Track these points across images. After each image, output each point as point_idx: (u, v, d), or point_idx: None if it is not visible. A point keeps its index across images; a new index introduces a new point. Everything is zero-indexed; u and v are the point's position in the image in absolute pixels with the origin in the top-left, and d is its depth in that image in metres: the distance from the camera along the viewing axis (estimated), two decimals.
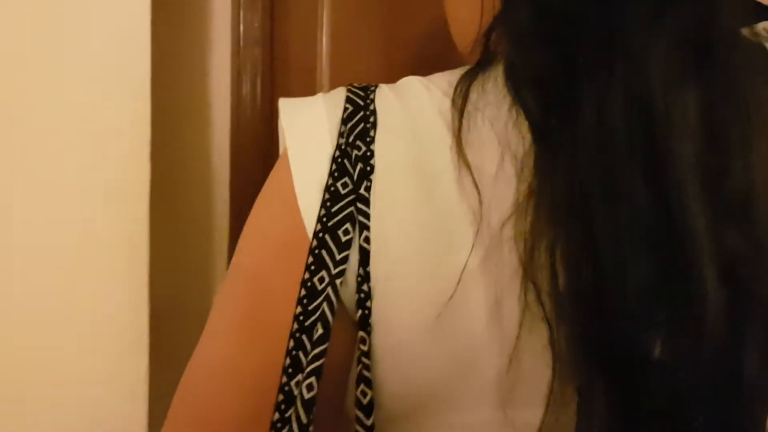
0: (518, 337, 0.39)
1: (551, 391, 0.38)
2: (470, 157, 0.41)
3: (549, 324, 0.38)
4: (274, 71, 1.13)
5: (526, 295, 0.39)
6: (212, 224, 1.10)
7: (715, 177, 0.39)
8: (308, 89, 1.11)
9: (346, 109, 0.45)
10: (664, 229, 0.37)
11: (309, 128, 0.45)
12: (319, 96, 0.47)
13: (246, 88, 1.12)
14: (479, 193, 0.40)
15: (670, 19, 0.40)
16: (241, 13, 1.11)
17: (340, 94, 0.46)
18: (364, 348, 0.40)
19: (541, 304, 0.38)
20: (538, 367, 0.39)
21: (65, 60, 0.84)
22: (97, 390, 0.88)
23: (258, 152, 1.10)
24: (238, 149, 1.12)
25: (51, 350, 0.86)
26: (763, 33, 0.45)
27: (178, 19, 1.06)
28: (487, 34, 0.46)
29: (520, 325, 0.39)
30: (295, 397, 0.39)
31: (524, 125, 0.41)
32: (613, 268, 0.37)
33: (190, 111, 1.11)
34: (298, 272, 0.41)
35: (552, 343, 0.38)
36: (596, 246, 0.37)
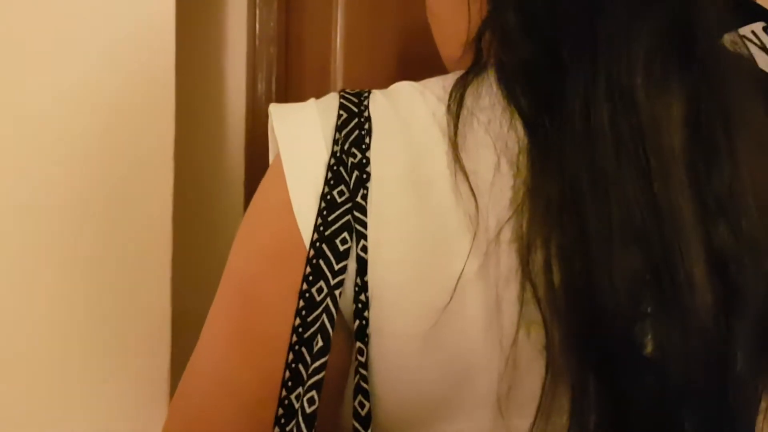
0: (515, 340, 0.39)
1: (543, 391, 0.38)
2: (466, 163, 0.41)
3: (545, 323, 0.38)
4: (288, 69, 1.13)
5: (523, 295, 0.39)
6: (228, 223, 1.11)
7: (702, 172, 0.39)
8: (322, 87, 1.12)
9: (340, 115, 0.44)
10: (652, 223, 0.38)
11: (303, 135, 0.44)
12: (312, 102, 0.46)
13: (261, 86, 1.13)
14: (476, 199, 0.40)
15: (650, 17, 0.40)
16: (257, 12, 1.11)
17: (333, 100, 0.46)
18: (362, 359, 0.40)
19: (538, 302, 0.38)
20: (533, 373, 0.39)
21: (91, 58, 0.85)
22: (120, 389, 0.89)
23: None
24: (253, 147, 1.13)
25: (74, 351, 0.87)
26: (751, 36, 0.45)
27: (194, 17, 1.07)
28: (478, 38, 0.46)
29: (518, 326, 0.39)
30: (296, 410, 0.39)
31: (519, 125, 0.41)
32: (604, 263, 0.37)
33: (205, 108, 1.12)
34: (293, 282, 0.41)
35: (547, 342, 0.38)
36: (587, 242, 0.38)
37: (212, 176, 1.13)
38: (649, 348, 0.38)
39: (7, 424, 0.84)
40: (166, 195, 0.89)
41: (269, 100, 1.12)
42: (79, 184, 0.86)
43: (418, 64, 1.09)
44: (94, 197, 0.86)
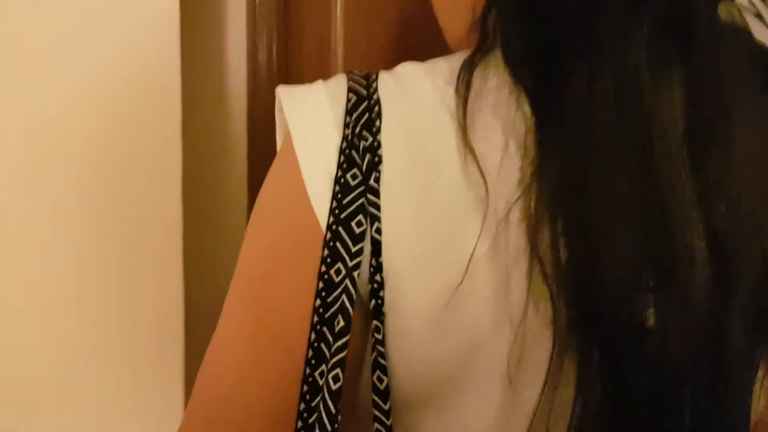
0: (524, 317, 0.41)
1: (551, 364, 0.40)
2: (475, 145, 0.42)
3: (552, 298, 0.40)
4: (289, 40, 1.13)
5: (532, 271, 0.40)
6: (230, 195, 1.11)
7: (702, 153, 0.41)
8: (323, 59, 1.11)
9: (349, 99, 0.45)
10: (654, 201, 0.39)
11: (314, 120, 0.45)
12: (320, 85, 0.47)
13: (262, 57, 1.13)
14: (485, 181, 0.41)
15: (652, 1, 0.41)
16: None
17: (342, 83, 0.47)
18: (379, 336, 0.42)
19: (545, 278, 0.40)
20: (541, 347, 0.41)
21: (93, 37, 0.85)
22: (135, 383, 0.90)
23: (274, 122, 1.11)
24: (255, 116, 1.13)
25: (87, 348, 0.88)
26: (747, 4, 0.46)
27: None
28: (483, 18, 0.46)
29: (527, 302, 0.40)
30: (321, 387, 0.41)
31: (526, 106, 0.42)
32: (607, 240, 0.39)
33: (206, 80, 1.12)
34: (312, 265, 0.42)
35: (554, 317, 0.40)
36: (592, 220, 0.39)
37: (214, 148, 1.13)
38: (650, 322, 0.40)
39: (13, 425, 0.86)
40: (176, 183, 0.90)
41: (270, 70, 1.12)
42: (86, 158, 0.86)
43: (419, 36, 1.09)
44: (103, 191, 0.87)
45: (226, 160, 1.14)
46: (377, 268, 0.42)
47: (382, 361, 0.42)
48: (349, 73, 0.47)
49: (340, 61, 1.12)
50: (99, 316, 0.88)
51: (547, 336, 0.40)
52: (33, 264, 0.85)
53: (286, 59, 1.13)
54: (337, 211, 0.42)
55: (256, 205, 0.46)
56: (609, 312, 0.40)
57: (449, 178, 0.42)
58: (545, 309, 0.40)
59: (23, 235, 0.84)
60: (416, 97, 0.45)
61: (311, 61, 1.13)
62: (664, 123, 0.40)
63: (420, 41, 1.10)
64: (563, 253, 0.40)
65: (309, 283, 0.42)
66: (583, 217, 0.40)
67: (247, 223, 1.13)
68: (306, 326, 0.41)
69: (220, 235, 1.11)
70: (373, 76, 0.47)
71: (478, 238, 0.41)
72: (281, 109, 0.47)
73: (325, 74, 1.11)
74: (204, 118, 1.11)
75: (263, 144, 1.12)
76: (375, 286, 0.42)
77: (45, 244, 0.85)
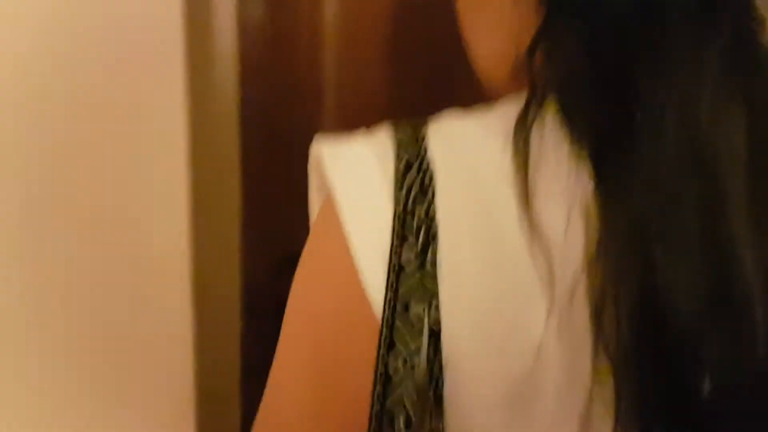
0: (589, 403, 0.39)
1: None
2: (538, 216, 0.39)
3: (615, 379, 0.38)
4: None
5: (597, 356, 0.39)
6: (223, 164, 1.08)
7: (764, 211, 0.39)
8: (315, 18, 1.06)
9: (399, 157, 0.42)
10: (721, 279, 0.38)
11: (362, 188, 0.42)
12: (363, 142, 0.43)
13: (252, 13, 1.07)
14: (550, 261, 0.39)
15: (712, 54, 0.40)
16: None
17: (387, 139, 0.43)
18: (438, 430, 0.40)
19: (610, 360, 0.38)
20: (603, 426, 0.40)
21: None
22: (145, 373, 0.90)
23: (268, 88, 1.08)
24: (245, 80, 1.09)
25: (93, 347, 0.87)
26: None
27: None
28: (530, 65, 0.43)
29: (591, 390, 0.39)
30: None
31: (586, 171, 0.40)
32: (672, 317, 0.38)
33: (194, 37, 1.06)
34: (367, 357, 0.40)
35: (616, 397, 0.39)
36: (656, 296, 0.38)
37: (204, 106, 1.09)
38: (707, 392, 0.40)
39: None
40: (181, 167, 0.90)
41: (261, 27, 1.07)
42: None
43: (414, 8, 1.04)
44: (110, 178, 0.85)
45: (216, 125, 1.09)
46: (436, 357, 0.39)
47: None
48: (394, 126, 0.44)
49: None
50: (102, 318, 0.87)
51: (609, 414, 0.39)
52: (31, 266, 0.83)
53: (276, 17, 1.08)
54: (392, 303, 0.40)
55: (299, 279, 0.44)
56: (669, 389, 0.39)
57: (512, 256, 0.39)
58: (609, 389, 0.39)
59: (23, 236, 0.82)
60: (471, 161, 0.42)
61: (302, 19, 1.08)
62: (726, 181, 0.39)
63: (415, 15, 1.06)
64: (626, 332, 0.38)
65: (364, 376, 0.40)
66: (647, 293, 0.38)
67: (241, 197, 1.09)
68: (364, 415, 0.40)
69: (212, 201, 1.09)
70: (420, 132, 0.43)
71: (546, 321, 0.39)
72: (320, 166, 0.43)
73: (317, 33, 1.07)
74: (192, 75, 1.06)
75: (255, 102, 1.08)
76: (434, 378, 0.39)
77: (45, 243, 0.83)
